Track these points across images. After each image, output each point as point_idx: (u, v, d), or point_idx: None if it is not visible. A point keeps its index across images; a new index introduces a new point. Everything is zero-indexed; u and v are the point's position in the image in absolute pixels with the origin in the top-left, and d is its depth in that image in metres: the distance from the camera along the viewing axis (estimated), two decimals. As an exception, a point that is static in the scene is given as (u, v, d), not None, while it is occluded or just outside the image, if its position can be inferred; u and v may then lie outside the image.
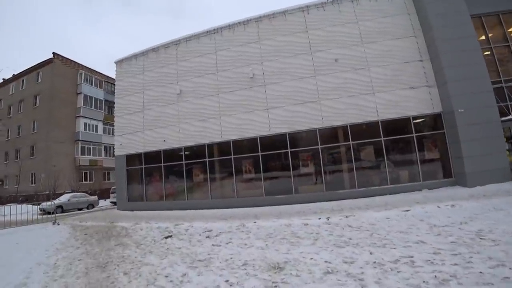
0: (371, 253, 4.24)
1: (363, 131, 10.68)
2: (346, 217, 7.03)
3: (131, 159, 14.16)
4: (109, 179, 30.37)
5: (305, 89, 11.33)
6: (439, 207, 6.89)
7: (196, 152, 12.70)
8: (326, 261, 4.11)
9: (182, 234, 7.18)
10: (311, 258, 4.30)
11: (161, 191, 13.21)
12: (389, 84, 10.56)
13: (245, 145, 11.98)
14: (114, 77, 15.66)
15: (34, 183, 24.94)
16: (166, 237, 6.92)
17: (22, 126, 27.51)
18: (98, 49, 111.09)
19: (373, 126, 10.53)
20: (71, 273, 4.74)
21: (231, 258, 4.74)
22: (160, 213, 11.44)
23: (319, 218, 7.21)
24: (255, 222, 7.62)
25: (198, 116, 12.68)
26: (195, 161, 12.71)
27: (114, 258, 5.44)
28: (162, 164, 13.23)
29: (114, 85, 15.57)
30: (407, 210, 6.89)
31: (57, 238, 7.89)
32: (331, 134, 11.06)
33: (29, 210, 13.67)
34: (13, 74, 29.79)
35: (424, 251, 4.11)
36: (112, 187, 20.24)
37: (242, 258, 4.67)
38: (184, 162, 12.80)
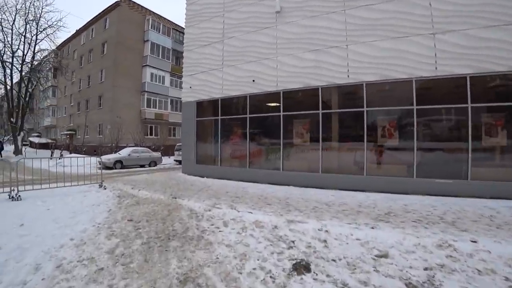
0: None
1: None
2: None
3: (203, 107, 10.62)
4: (174, 135, 28.90)
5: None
6: None
7: (302, 99, 8.37)
8: None
9: (327, 258, 3.18)
10: None
11: (243, 153, 9.44)
12: None
13: (388, 92, 7.27)
14: (183, 25, 12.10)
15: (101, 135, 24.50)
16: (297, 270, 2.96)
17: (91, 76, 27.09)
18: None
19: None
20: None
21: None
22: (243, 187, 7.82)
23: None
24: (474, 242, 3.37)
25: (309, 45, 8.11)
26: (299, 112, 8.37)
27: None
28: (248, 116, 9.27)
29: (183, 34, 11.96)
30: None
31: (84, 224, 4.50)
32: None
33: (88, 162, 11.71)
34: (84, 24, 29.02)
35: None
36: (177, 144, 17.94)
37: None
38: (282, 113, 8.55)
